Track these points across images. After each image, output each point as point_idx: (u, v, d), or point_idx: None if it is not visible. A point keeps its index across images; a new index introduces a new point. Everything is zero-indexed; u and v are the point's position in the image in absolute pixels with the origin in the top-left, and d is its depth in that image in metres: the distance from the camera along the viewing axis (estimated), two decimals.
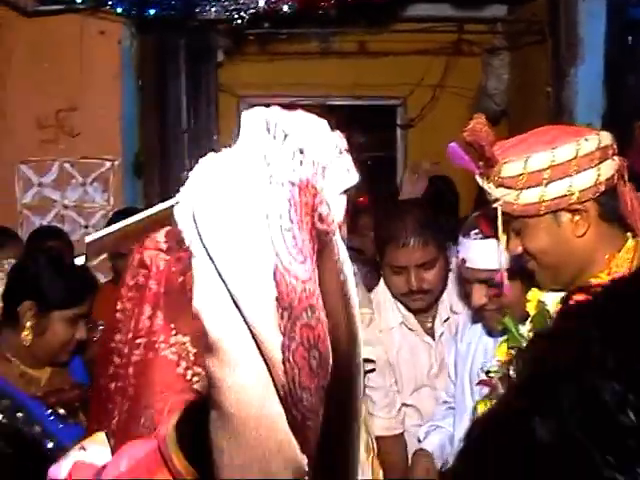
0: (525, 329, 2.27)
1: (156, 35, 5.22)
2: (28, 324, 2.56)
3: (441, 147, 6.53)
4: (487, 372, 2.70)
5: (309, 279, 1.00)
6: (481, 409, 2.34)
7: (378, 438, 3.06)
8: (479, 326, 3.04)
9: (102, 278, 4.29)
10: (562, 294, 2.16)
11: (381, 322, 3.38)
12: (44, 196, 5.33)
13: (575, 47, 5.17)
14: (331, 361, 1.04)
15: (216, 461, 1.06)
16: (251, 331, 0.99)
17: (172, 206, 1.06)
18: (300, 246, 0.99)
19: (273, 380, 1.01)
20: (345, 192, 1.08)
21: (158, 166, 5.32)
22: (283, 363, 0.99)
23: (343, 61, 7.30)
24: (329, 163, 1.05)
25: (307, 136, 1.04)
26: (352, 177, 1.08)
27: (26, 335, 2.56)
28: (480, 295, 2.77)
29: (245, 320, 0.99)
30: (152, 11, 4.68)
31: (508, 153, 2.06)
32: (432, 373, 3.40)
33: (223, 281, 0.99)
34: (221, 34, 5.53)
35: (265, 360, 1.00)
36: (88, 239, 1.24)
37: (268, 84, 7.37)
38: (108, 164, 5.24)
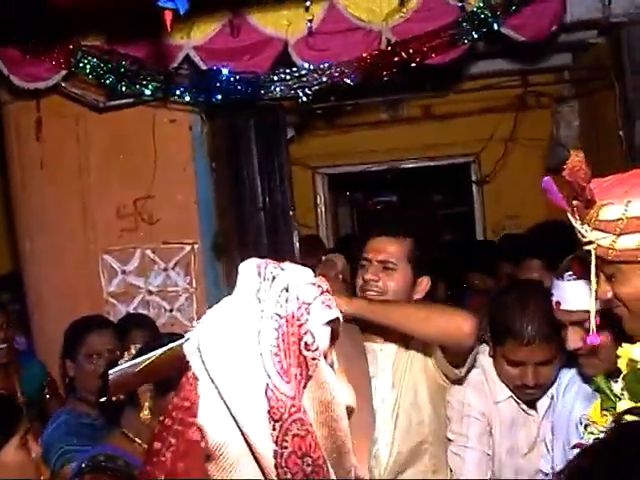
0: (618, 387, 2.20)
1: (225, 118, 5.31)
2: (146, 404, 2.60)
3: (518, 200, 6.54)
4: (585, 426, 2.64)
5: (295, 397, 1.18)
6: None
7: None
8: (575, 384, 2.99)
9: None
10: None
11: (490, 392, 3.29)
12: (128, 283, 5.41)
13: None
14: (329, 469, 1.21)
15: None
16: (246, 441, 1.18)
17: (183, 343, 1.27)
18: (286, 369, 1.19)
19: None
20: (328, 324, 1.24)
21: (237, 246, 5.36)
22: (276, 468, 1.18)
23: (412, 126, 7.34)
24: (312, 301, 1.23)
25: (292, 278, 1.25)
26: (333, 312, 1.25)
27: (145, 415, 2.61)
28: (575, 337, 2.71)
29: (241, 431, 1.18)
30: (219, 96, 4.76)
31: (607, 195, 2.00)
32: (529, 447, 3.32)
33: (223, 399, 1.19)
34: (288, 111, 5.60)
35: (259, 466, 1.19)
36: (111, 372, 1.36)
37: (340, 153, 7.46)
38: (188, 248, 5.31)
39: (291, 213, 5.48)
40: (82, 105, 5.25)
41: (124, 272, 5.41)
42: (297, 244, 5.46)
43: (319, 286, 1.26)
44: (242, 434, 1.19)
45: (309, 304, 1.23)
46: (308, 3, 4.52)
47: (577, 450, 2.34)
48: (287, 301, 1.22)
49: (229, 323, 1.21)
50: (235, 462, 1.20)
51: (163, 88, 4.85)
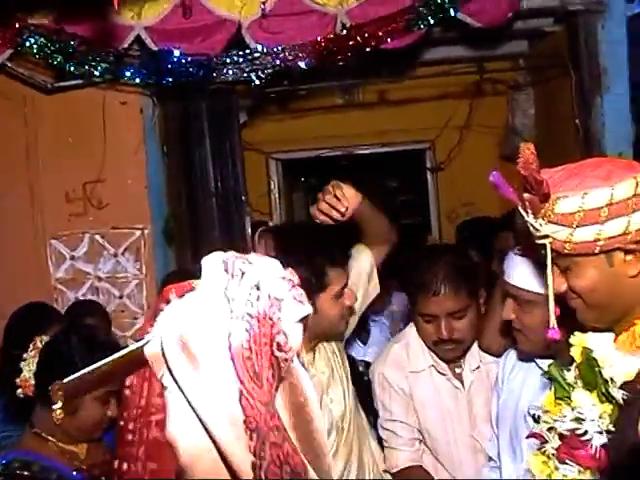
0: (570, 375, 2.17)
1: (177, 101, 5.24)
2: (59, 403, 2.53)
3: (472, 188, 6.56)
4: (533, 417, 2.64)
5: (269, 401, 1.12)
6: (534, 462, 2.25)
7: (405, 469, 3.35)
8: (524, 368, 2.98)
9: None
10: (608, 335, 2.08)
11: (410, 364, 3.40)
12: (77, 269, 5.33)
13: (598, 77, 5.09)
14: (309, 470, 1.15)
15: None
16: (221, 454, 1.11)
17: (143, 346, 1.17)
18: (259, 372, 1.11)
19: None
20: (300, 321, 1.17)
21: (188, 232, 5.30)
22: None
23: (367, 111, 7.30)
24: (284, 297, 1.16)
25: (262, 274, 1.17)
26: (305, 308, 1.18)
27: (58, 414, 2.53)
28: (508, 310, 2.80)
29: (216, 444, 1.11)
30: (170, 79, 4.68)
31: (560, 187, 1.95)
32: (465, 422, 3.38)
33: (193, 409, 1.11)
34: (241, 95, 5.53)
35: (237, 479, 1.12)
36: (58, 383, 1.31)
37: (294, 139, 7.40)
38: (138, 233, 5.24)
39: (243, 198, 5.43)
40: (30, 86, 5.14)
41: (73, 258, 5.32)
42: (249, 230, 5.39)
43: (290, 280, 1.19)
44: (216, 447, 1.11)
45: (280, 300, 1.16)
46: None
47: (532, 440, 2.33)
48: (258, 299, 1.14)
49: (196, 324, 1.13)
50: (208, 477, 1.14)
51: (113, 69, 4.75)
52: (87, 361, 2.56)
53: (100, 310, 4.70)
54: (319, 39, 4.54)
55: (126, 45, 4.67)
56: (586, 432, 2.03)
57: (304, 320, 1.19)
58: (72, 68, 4.67)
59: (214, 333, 1.11)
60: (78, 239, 5.31)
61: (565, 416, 2.10)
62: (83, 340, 2.68)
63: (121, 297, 5.28)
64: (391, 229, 3.43)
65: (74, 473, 2.58)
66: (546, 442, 2.19)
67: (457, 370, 3.39)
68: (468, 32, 4.92)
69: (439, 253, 3.41)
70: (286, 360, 1.15)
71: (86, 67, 4.68)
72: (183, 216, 5.34)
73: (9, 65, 4.89)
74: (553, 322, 2.10)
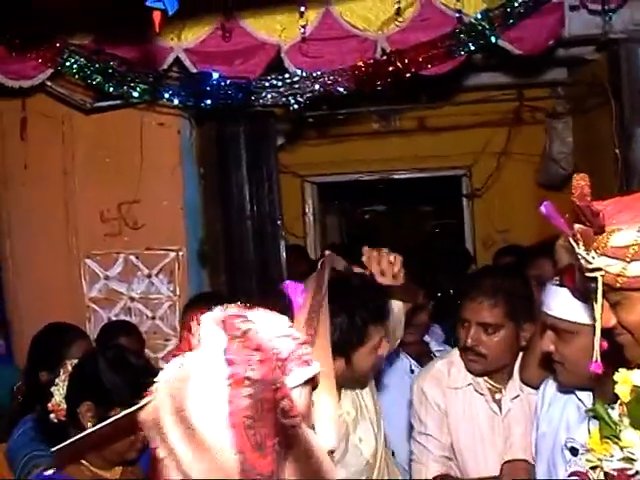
0: (615, 414, 2.11)
1: (215, 124, 5.25)
2: (89, 425, 2.52)
3: (509, 215, 6.50)
4: (572, 449, 2.57)
5: (273, 472, 1.05)
6: None
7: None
8: (563, 399, 2.93)
9: None
10: None
11: (449, 381, 3.44)
12: (111, 289, 5.34)
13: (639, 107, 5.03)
14: None
15: None
16: None
17: (139, 409, 1.11)
18: (262, 441, 1.04)
19: None
20: (306, 383, 1.13)
21: (223, 254, 5.30)
22: None
23: (404, 137, 7.28)
24: (288, 356, 1.10)
25: (264, 333, 1.10)
26: (312, 369, 1.14)
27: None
28: (548, 341, 2.76)
29: None
30: (208, 101, 4.67)
31: (614, 220, 1.90)
32: (499, 449, 3.36)
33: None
34: (279, 119, 5.53)
35: None
36: (54, 450, 1.24)
37: (330, 163, 7.39)
38: (172, 254, 5.24)
39: (279, 222, 5.41)
40: (68, 106, 5.18)
41: (106, 277, 5.34)
42: (284, 253, 5.37)
43: (295, 338, 1.14)
44: None
45: (284, 360, 1.10)
46: (302, 9, 4.43)
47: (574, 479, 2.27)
48: (260, 362, 1.08)
49: (193, 390, 1.07)
50: None
51: (151, 90, 4.74)
52: (115, 382, 2.56)
53: (134, 330, 4.70)
54: (359, 64, 4.51)
55: (165, 67, 4.67)
56: (637, 473, 1.96)
57: (312, 381, 1.14)
58: (111, 89, 4.68)
59: (212, 399, 1.06)
60: (112, 259, 5.32)
61: (613, 455, 2.03)
62: (111, 361, 2.66)
63: (154, 318, 5.28)
64: (417, 294, 3.58)
65: None
66: None
67: (497, 396, 3.39)
68: (508, 59, 4.87)
69: (493, 271, 3.60)
70: (293, 427, 1.09)
71: (125, 88, 4.69)
72: (218, 238, 5.33)
73: (49, 84, 4.92)
74: (597, 356, 2.03)
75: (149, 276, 5.28)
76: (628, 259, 1.87)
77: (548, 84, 6.59)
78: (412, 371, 4.37)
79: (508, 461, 3.25)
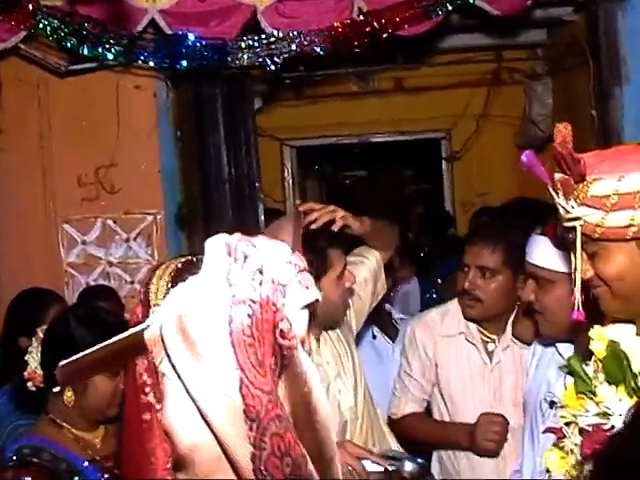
0: (590, 369, 2.12)
1: (191, 86, 5.20)
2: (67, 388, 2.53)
3: (488, 177, 6.51)
4: (551, 402, 2.57)
5: (272, 390, 1.08)
6: (549, 458, 2.20)
7: (407, 415, 3.60)
8: (547, 357, 2.95)
9: None
10: (630, 328, 2.03)
11: (442, 329, 3.54)
12: (89, 254, 5.30)
13: (618, 67, 5.02)
14: (309, 463, 1.11)
15: None
16: (221, 444, 1.08)
17: (143, 330, 1.14)
18: (261, 360, 1.08)
19: None
20: (306, 307, 1.14)
21: (201, 217, 5.27)
22: (254, 472, 1.07)
23: (383, 99, 7.26)
24: (289, 282, 1.12)
25: (266, 257, 1.12)
26: (312, 293, 1.14)
27: (68, 397, 2.55)
28: (529, 290, 2.80)
29: (214, 434, 1.07)
30: (184, 62, 4.64)
31: (596, 170, 1.89)
32: (488, 399, 3.45)
33: (192, 397, 1.08)
34: (256, 80, 5.49)
35: (236, 471, 1.09)
36: (61, 364, 1.24)
37: (309, 126, 7.36)
38: (150, 218, 5.21)
39: (257, 185, 5.39)
40: (43, 69, 5.10)
41: (84, 242, 5.29)
42: (262, 217, 5.36)
43: (296, 265, 1.15)
44: (215, 437, 1.08)
45: (285, 285, 1.12)
46: None
47: (548, 434, 2.28)
48: (261, 284, 1.10)
49: (196, 310, 1.09)
50: (207, 469, 1.11)
51: (126, 52, 4.71)
52: (88, 340, 2.54)
53: (113, 295, 4.68)
54: (335, 24, 4.49)
55: (140, 28, 4.63)
56: (613, 427, 1.97)
57: (311, 307, 1.15)
58: (85, 51, 4.64)
59: (214, 318, 1.08)
60: (90, 224, 5.28)
61: (588, 411, 2.04)
62: (81, 319, 2.64)
63: (132, 282, 5.25)
64: (395, 236, 3.62)
65: (85, 464, 2.54)
66: (564, 437, 2.14)
67: (489, 347, 3.47)
68: (486, 20, 4.86)
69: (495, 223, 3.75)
70: (290, 348, 1.11)
71: (99, 50, 4.65)
72: (196, 202, 5.30)
73: (22, 47, 4.85)
74: (579, 304, 2.04)
75: (127, 240, 5.25)
76: (607, 209, 1.87)
77: (527, 45, 6.57)
78: (374, 336, 4.43)
79: (485, 413, 3.31)
